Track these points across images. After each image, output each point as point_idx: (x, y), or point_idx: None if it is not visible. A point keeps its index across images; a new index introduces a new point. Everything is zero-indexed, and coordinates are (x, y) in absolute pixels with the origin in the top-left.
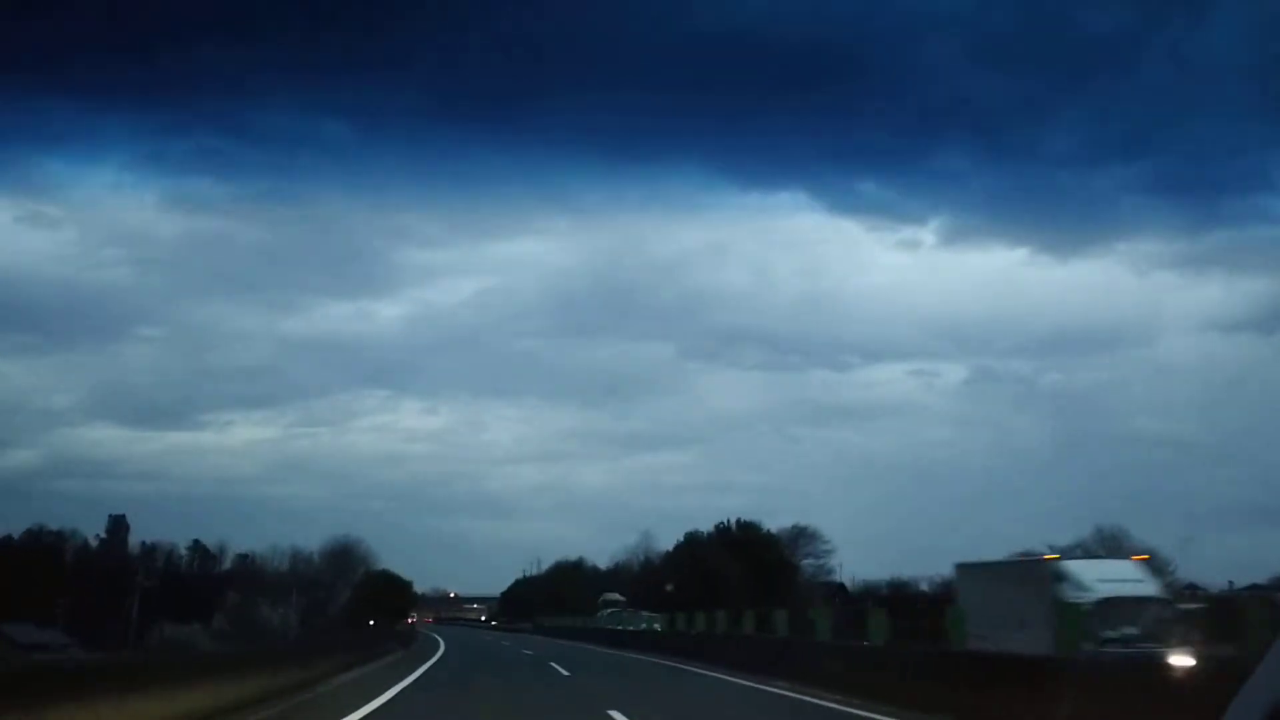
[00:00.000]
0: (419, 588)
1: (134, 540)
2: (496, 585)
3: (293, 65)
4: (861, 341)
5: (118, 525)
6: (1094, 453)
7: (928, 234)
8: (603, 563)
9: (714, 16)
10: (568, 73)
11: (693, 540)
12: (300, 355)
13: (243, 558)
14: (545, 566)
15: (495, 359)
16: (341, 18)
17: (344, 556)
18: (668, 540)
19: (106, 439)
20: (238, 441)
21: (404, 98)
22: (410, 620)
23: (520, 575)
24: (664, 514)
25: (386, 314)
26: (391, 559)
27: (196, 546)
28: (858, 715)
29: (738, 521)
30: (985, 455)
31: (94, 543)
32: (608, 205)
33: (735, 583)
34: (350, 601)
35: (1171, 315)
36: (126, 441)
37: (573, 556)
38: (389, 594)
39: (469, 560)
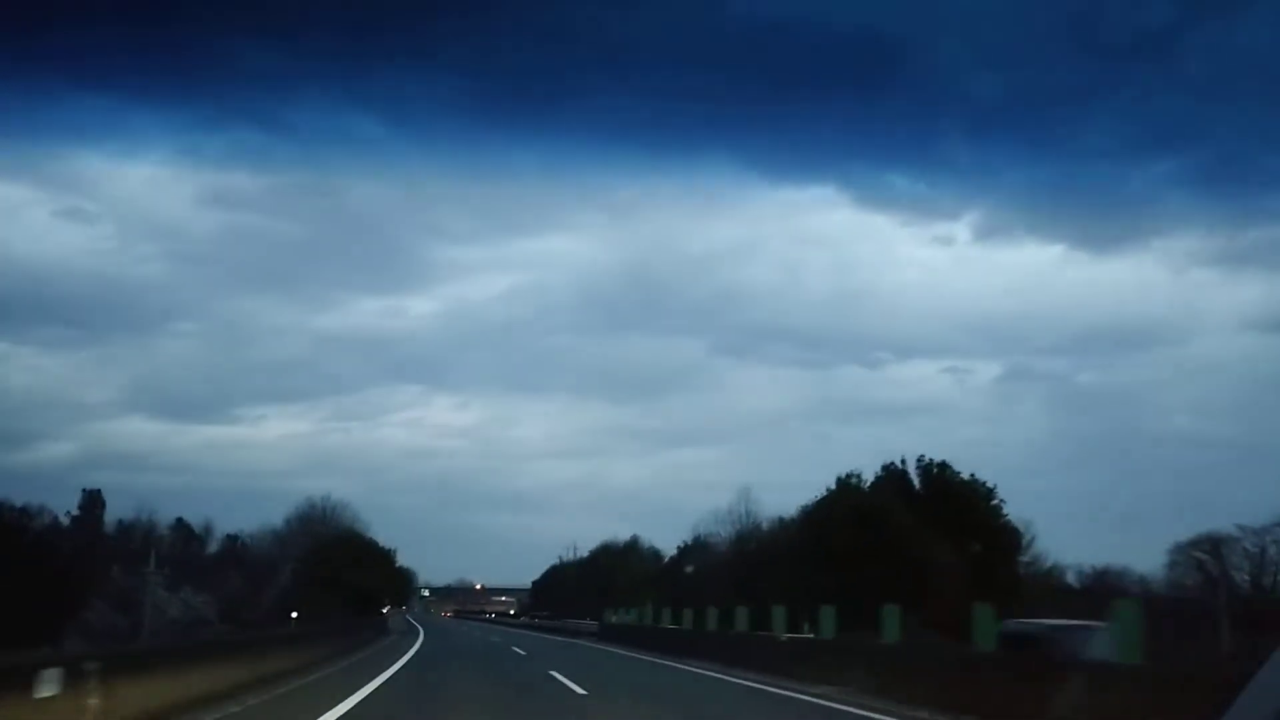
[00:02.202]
0: (442, 578)
1: (110, 518)
2: (527, 578)
3: (325, 60)
4: (893, 338)
5: (92, 502)
6: (1132, 451)
7: (961, 229)
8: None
9: (746, 7)
10: (600, 65)
11: (849, 491)
12: (333, 350)
13: (231, 538)
14: (583, 554)
15: (526, 355)
16: (373, 11)
17: (315, 525)
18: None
19: (141, 432)
20: (271, 436)
21: (436, 92)
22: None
23: (557, 561)
24: (696, 510)
25: (419, 310)
26: (417, 554)
27: (179, 526)
28: None
29: (921, 463)
30: (1020, 453)
31: (65, 521)
32: (640, 200)
33: (945, 559)
34: (291, 580)
35: (1209, 313)
36: (161, 435)
37: (621, 537)
38: (356, 569)
39: (497, 555)
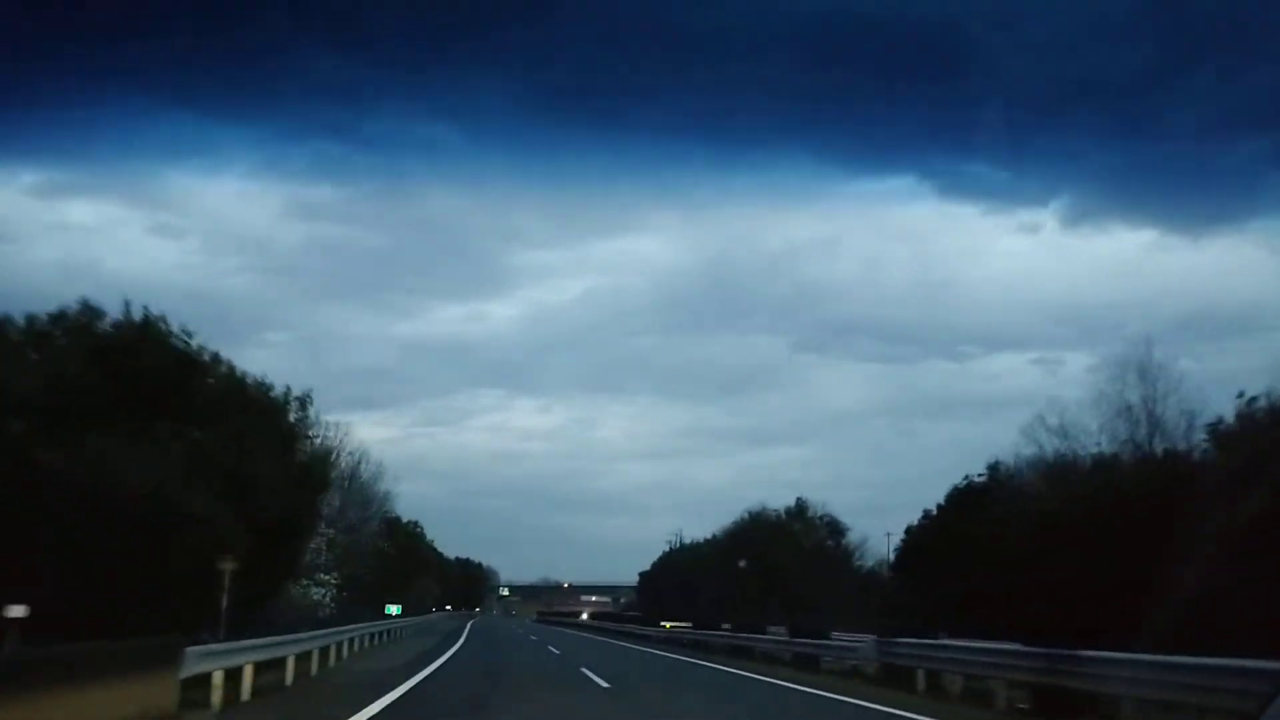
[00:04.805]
0: (525, 579)
1: None
2: (613, 577)
3: (401, 70)
4: (980, 331)
5: None
6: None
7: (1048, 217)
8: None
9: None
10: (672, 64)
11: None
12: (418, 357)
13: None
14: (699, 538)
15: (607, 357)
16: (445, 19)
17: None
18: None
19: None
20: (358, 443)
21: (510, 97)
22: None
23: (666, 548)
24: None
25: (499, 315)
26: (502, 555)
27: None
28: None
29: None
30: None
31: None
32: (717, 199)
33: None
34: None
35: None
36: None
37: (778, 502)
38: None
39: (581, 556)
